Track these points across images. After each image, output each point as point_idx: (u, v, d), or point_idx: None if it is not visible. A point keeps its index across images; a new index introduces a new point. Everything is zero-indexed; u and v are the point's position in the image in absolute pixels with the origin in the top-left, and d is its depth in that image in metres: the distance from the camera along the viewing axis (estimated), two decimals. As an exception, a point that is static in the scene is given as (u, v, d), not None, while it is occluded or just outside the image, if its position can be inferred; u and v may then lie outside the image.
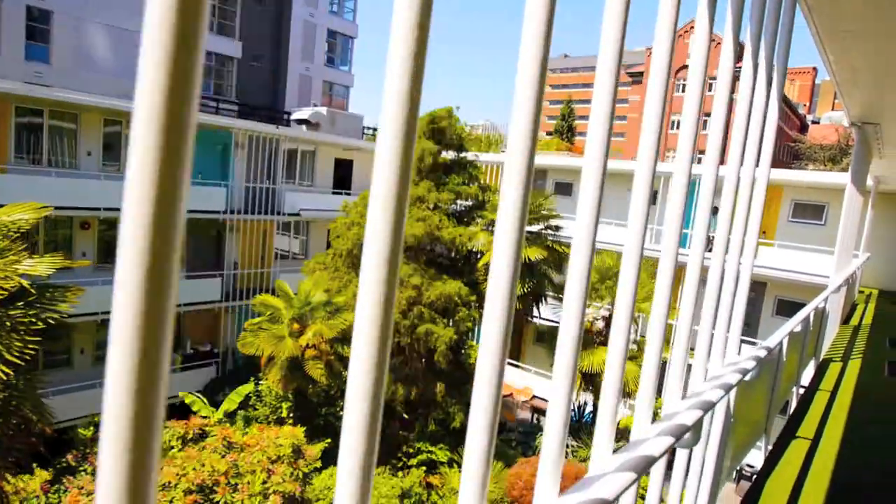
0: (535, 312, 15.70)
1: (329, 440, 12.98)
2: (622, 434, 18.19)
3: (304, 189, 22.36)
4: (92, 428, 8.65)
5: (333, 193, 22.91)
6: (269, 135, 20.45)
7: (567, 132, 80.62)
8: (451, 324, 13.33)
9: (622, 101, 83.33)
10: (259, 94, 31.01)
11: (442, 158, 14.49)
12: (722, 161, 2.13)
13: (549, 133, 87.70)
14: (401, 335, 13.34)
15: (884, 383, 6.55)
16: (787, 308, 17.70)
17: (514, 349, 24.02)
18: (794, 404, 5.65)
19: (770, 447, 4.33)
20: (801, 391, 5.94)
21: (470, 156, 15.65)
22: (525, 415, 21.28)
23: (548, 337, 16.06)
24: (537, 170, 23.33)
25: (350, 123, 26.29)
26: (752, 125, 2.45)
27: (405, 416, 15.28)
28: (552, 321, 16.78)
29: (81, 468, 6.93)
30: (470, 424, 0.94)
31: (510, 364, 22.81)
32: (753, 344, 16.15)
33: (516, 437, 17.23)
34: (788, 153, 63.73)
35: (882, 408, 5.83)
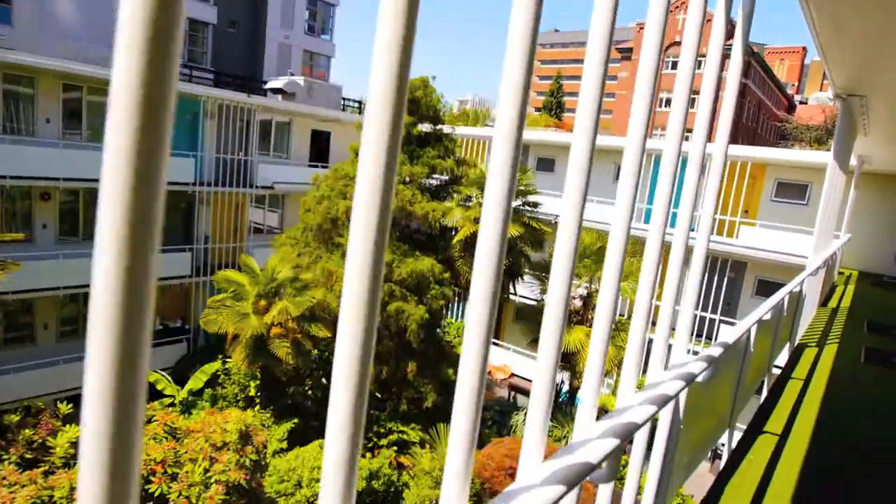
0: (512, 290, 15.35)
1: (297, 420, 12.64)
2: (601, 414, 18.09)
3: (278, 161, 21.67)
4: (21, 412, 8.17)
5: (310, 166, 22.23)
6: (241, 104, 19.68)
7: (556, 108, 79.86)
8: (424, 302, 12.93)
9: (611, 78, 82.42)
10: (236, 63, 29.96)
11: (416, 130, 13.92)
12: (710, 139, 2.07)
13: (538, 109, 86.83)
14: (371, 313, 12.93)
15: (859, 370, 6.26)
16: (767, 289, 17.53)
17: (495, 328, 23.75)
18: (765, 392, 5.33)
19: (735, 441, 3.99)
20: (775, 378, 5.62)
21: (447, 129, 15.09)
22: (504, 393, 21.12)
23: (528, 313, 15.76)
24: (519, 145, 22.79)
25: (328, 94, 25.47)
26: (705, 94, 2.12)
27: (377, 395, 14.98)
28: (531, 299, 16.48)
29: (6, 457, 6.49)
30: (455, 406, 0.95)
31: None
32: (732, 325, 15.94)
33: (492, 416, 17.02)
34: (775, 133, 63.62)
35: (856, 395, 5.53)
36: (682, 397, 2.42)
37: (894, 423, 5.00)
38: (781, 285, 6.22)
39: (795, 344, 6.77)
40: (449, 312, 21.23)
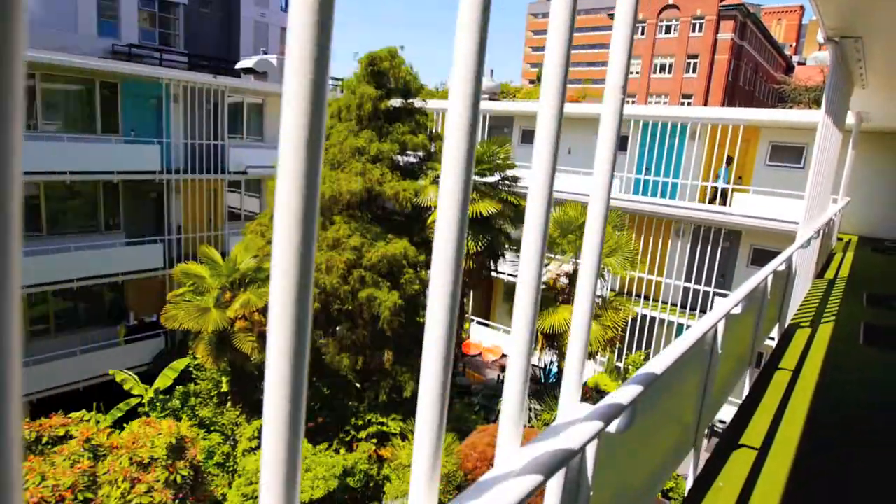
0: (493, 269, 14.60)
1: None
2: (593, 394, 17.45)
3: (252, 144, 20.79)
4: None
5: (286, 148, 21.32)
6: (208, 85, 18.71)
7: (550, 80, 78.27)
8: (398, 287, 12.20)
9: (602, 46, 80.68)
10: (211, 45, 28.87)
11: (384, 105, 13.04)
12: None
13: (531, 81, 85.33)
14: (342, 301, 12.21)
15: (859, 354, 5.51)
16: (763, 257, 16.76)
17: (484, 308, 23.09)
18: (747, 387, 4.61)
19: (702, 462, 3.26)
20: (760, 367, 4.90)
21: (418, 102, 14.19)
22: (495, 374, 20.54)
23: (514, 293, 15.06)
24: (503, 116, 21.87)
25: (304, 72, 24.42)
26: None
27: (358, 385, 14.35)
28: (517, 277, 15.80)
29: None
30: (420, 398, 0.94)
31: (480, 323, 21.94)
32: (726, 296, 15.22)
33: (479, 401, 16.43)
34: (773, 95, 62.17)
35: (854, 388, 4.79)
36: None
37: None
38: (778, 254, 5.47)
39: (786, 325, 6.03)
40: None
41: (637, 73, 58.96)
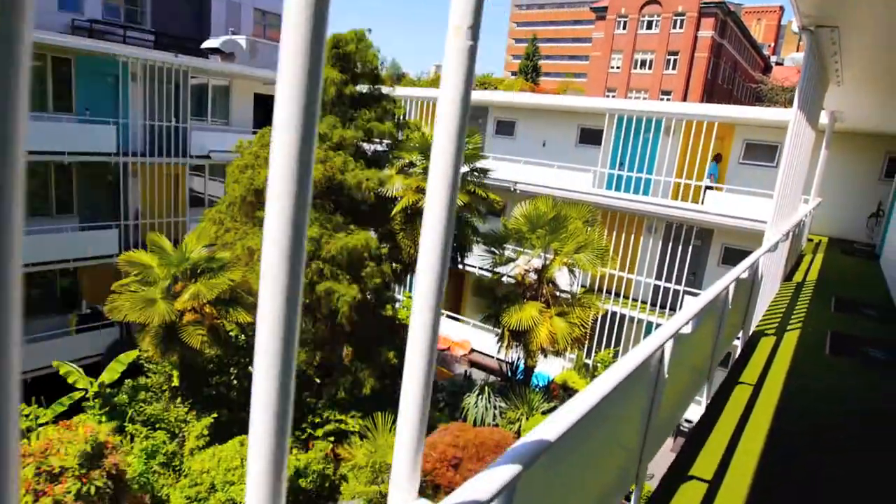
0: (460, 263, 14.16)
1: (216, 414, 11.46)
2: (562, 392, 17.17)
3: (216, 128, 19.99)
4: None
5: (254, 133, 20.59)
6: (168, 64, 17.87)
7: (532, 72, 78.13)
8: (359, 281, 11.70)
9: (584, 40, 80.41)
10: (180, 23, 27.77)
11: (349, 90, 12.46)
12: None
13: (513, 73, 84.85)
14: (299, 295, 11.67)
15: (824, 365, 5.19)
16: (734, 257, 16.62)
17: (454, 301, 22.71)
18: (705, 403, 4.24)
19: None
20: (728, 373, 4.54)
21: (386, 88, 13.64)
22: (464, 369, 20.19)
23: (482, 287, 14.61)
24: (477, 106, 21.37)
25: (274, 54, 23.58)
26: None
27: (316, 380, 13.84)
28: (486, 270, 15.31)
29: None
30: (402, 400, 0.96)
31: (449, 317, 21.55)
32: (697, 295, 14.93)
33: (444, 397, 16.03)
34: (751, 95, 62.66)
35: (821, 404, 4.46)
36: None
37: (871, 445, 3.93)
38: (749, 253, 5.11)
39: (751, 332, 5.69)
40: (403, 287, 20.08)
41: (618, 68, 58.91)
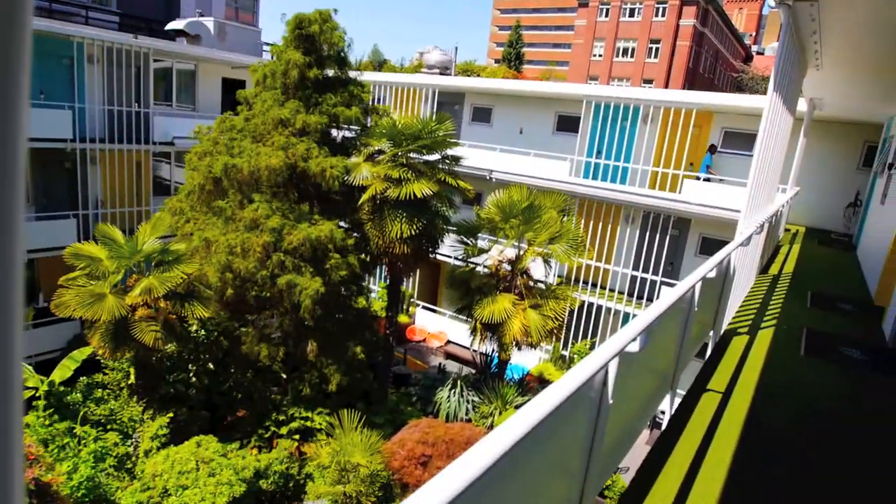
0: (431, 253, 13.69)
1: (172, 414, 10.93)
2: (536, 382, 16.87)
3: (181, 113, 19.22)
4: None
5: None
6: (128, 46, 17.05)
7: (515, 60, 77.57)
8: (323, 273, 11.19)
9: (567, 28, 79.84)
10: (148, 5, 26.74)
11: (312, 73, 11.86)
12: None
13: (496, 61, 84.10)
14: (261, 288, 11.15)
15: (798, 367, 4.85)
16: (712, 247, 16.39)
17: (430, 292, 22.28)
18: (669, 412, 3.86)
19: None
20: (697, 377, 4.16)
21: (357, 73, 13.07)
22: (440, 361, 19.82)
23: (455, 278, 14.16)
24: (453, 93, 20.83)
25: (244, 37, 22.82)
26: None
27: (284, 376, 13.36)
28: (465, 262, 14.83)
29: None
30: None
31: (425, 308, 21.14)
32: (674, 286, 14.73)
33: (417, 391, 15.65)
34: (732, 84, 62.73)
35: (793, 412, 4.10)
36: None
37: (841, 450, 3.58)
38: (726, 243, 4.75)
39: (722, 331, 5.33)
40: (373, 278, 19.59)
41: (600, 55, 58.58)
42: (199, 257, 11.05)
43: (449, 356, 20.26)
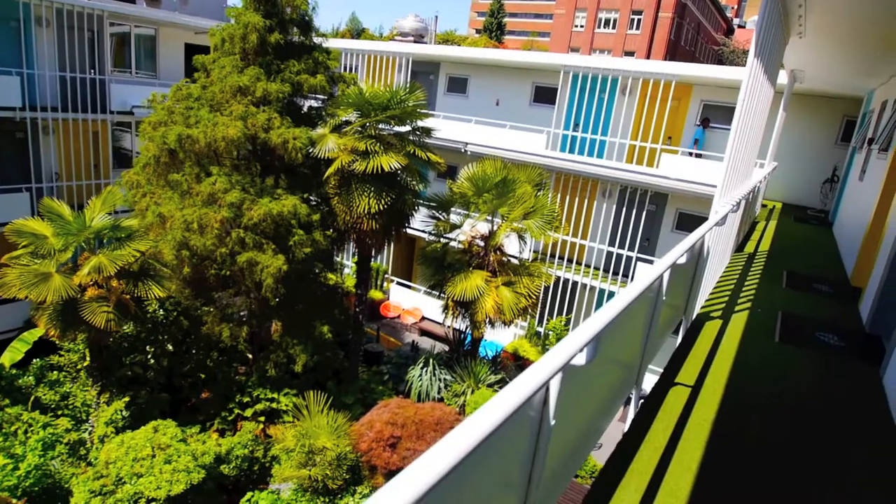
0: (402, 228, 13.23)
1: (127, 398, 10.47)
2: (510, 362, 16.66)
3: (141, 81, 18.27)
4: None
5: (184, 88, 18.91)
6: (80, 8, 16.00)
7: (496, 30, 76.19)
8: (287, 250, 10.69)
9: (549, -3, 78.26)
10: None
11: (273, 38, 11.16)
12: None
13: (477, 31, 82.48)
14: (219, 266, 10.63)
15: (773, 354, 4.56)
16: (689, 222, 16.18)
17: (405, 268, 21.88)
18: (632, 410, 3.54)
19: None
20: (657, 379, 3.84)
21: (322, 38, 12.38)
22: (414, 337, 19.53)
23: (428, 254, 13.74)
24: (428, 62, 20.13)
25: (208, 0, 21.71)
26: None
27: (249, 356, 12.94)
28: (438, 237, 14.39)
29: None
30: None
31: (400, 283, 20.76)
32: (650, 263, 14.43)
33: (388, 369, 15.35)
34: (713, 58, 62.33)
35: (766, 403, 3.81)
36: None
37: (823, 448, 3.30)
38: (703, 219, 4.40)
39: (694, 316, 5.02)
40: (344, 255, 19.10)
41: (582, 26, 57.71)
42: (153, 234, 10.47)
43: (424, 333, 19.97)
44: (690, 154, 15.72)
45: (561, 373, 1.69)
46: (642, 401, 3.42)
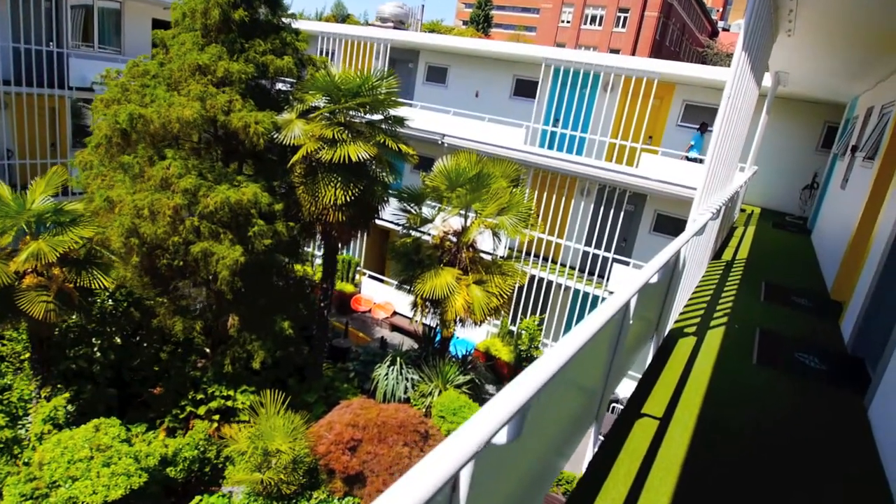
0: (370, 221, 12.68)
1: (68, 394, 9.82)
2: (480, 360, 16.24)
3: (103, 57, 17.36)
4: None
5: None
6: (37, -24, 15.07)
7: (483, 22, 75.50)
8: (245, 241, 10.09)
9: (537, -10, 77.64)
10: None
11: (238, 14, 10.49)
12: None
13: (464, 22, 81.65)
14: (172, 256, 9.99)
15: (750, 376, 4.16)
16: (667, 224, 15.89)
17: (377, 261, 21.34)
18: (590, 450, 3.10)
19: None
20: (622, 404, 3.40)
21: (291, 18, 11.73)
22: (384, 333, 19.03)
23: (399, 248, 13.21)
24: (407, 49, 19.53)
25: (180, -24, 20.72)
26: None
27: (206, 350, 12.33)
28: (408, 231, 13.84)
29: None
30: None
31: (372, 277, 20.23)
32: (626, 265, 14.03)
33: (355, 366, 14.84)
34: (697, 59, 62.45)
35: (745, 433, 3.41)
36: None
37: (801, 484, 2.90)
38: (681, 221, 3.94)
39: (666, 332, 4.60)
40: (315, 245, 18.49)
41: (568, 22, 57.35)
42: (101, 219, 9.79)
43: (395, 328, 19.48)
44: (691, 160, 15.16)
45: (474, 460, 1.21)
46: (601, 439, 2.98)
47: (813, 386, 4.22)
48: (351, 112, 11.45)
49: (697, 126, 15.45)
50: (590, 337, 1.71)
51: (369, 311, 19.96)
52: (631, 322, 2.80)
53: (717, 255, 7.88)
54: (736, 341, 4.74)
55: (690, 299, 5.62)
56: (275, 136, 10.82)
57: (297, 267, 13.49)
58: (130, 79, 10.88)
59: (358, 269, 20.74)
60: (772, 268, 7.88)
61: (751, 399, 3.83)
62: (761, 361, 4.42)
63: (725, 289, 6.25)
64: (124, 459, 8.52)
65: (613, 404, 13.52)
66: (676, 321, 4.97)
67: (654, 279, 2.72)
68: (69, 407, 10.14)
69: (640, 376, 3.88)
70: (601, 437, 2.98)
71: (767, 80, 11.38)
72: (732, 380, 4.02)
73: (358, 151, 10.50)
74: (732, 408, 3.66)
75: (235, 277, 9.78)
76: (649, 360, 4.14)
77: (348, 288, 19.94)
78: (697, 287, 6.13)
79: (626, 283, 2.53)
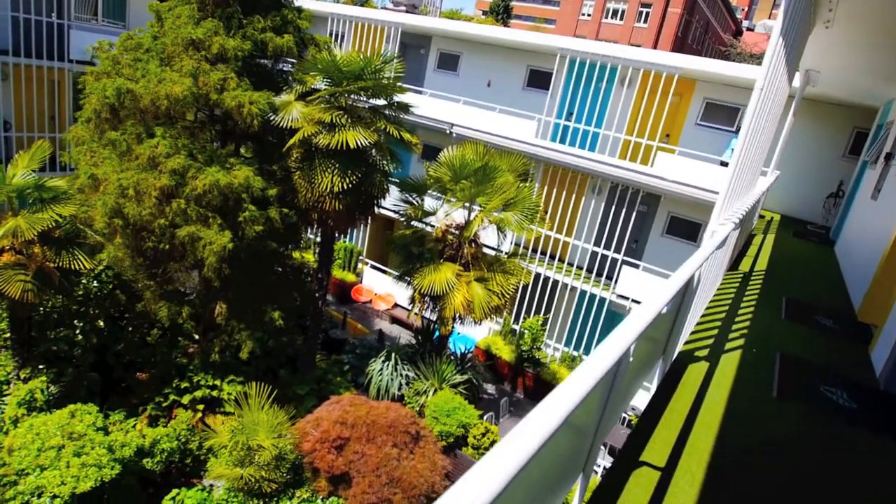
0: (370, 210, 12.15)
1: (44, 378, 9.44)
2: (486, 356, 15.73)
3: (107, 29, 16.91)
4: None
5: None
6: (40, -58, 14.62)
7: (503, 13, 74.37)
8: (235, 227, 9.62)
9: (558, -19, 76.26)
10: None
11: (237, -13, 9.97)
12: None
13: (484, 12, 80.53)
14: (158, 239, 9.54)
15: (770, 414, 3.61)
16: (680, 226, 15.25)
17: (381, 250, 20.84)
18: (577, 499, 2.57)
19: None
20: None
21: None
22: (384, 325, 18.59)
23: (398, 241, 12.71)
24: (419, 34, 18.91)
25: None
26: None
27: (196, 336, 11.92)
28: (408, 222, 13.32)
29: None
30: None
31: (374, 267, 19.77)
32: (636, 267, 13.40)
33: (350, 359, 14.40)
34: (718, 57, 61.09)
35: (759, 494, 2.86)
36: None
37: None
38: (696, 225, 3.39)
39: (675, 356, 4.05)
40: (316, 231, 17.99)
41: (589, 15, 56.27)
42: (85, 197, 9.35)
43: (395, 320, 19.03)
44: (723, 164, 14.34)
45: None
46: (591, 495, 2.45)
47: (843, 429, 3.67)
48: (353, 96, 10.92)
49: (734, 129, 14.71)
50: (578, 402, 1.18)
51: (370, 301, 19.51)
52: (631, 360, 2.27)
53: (734, 265, 7.29)
54: (754, 369, 4.18)
55: (703, 316, 5.06)
56: (271, 117, 10.31)
57: (296, 255, 13.05)
58: (123, 51, 10.41)
59: (360, 258, 20.28)
60: (793, 282, 7.28)
61: (771, 445, 3.28)
62: (782, 395, 3.86)
63: (742, 305, 5.68)
64: (97, 450, 8.13)
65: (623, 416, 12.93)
66: (687, 342, 4.42)
67: (665, 309, 2.17)
68: (52, 389, 9.79)
69: (629, 434, 3.35)
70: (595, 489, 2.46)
71: (796, 80, 10.70)
72: (749, 419, 3.47)
73: (357, 137, 9.97)
74: (748, 455, 3.12)
75: (223, 264, 9.32)
76: (653, 391, 3.60)
77: (349, 277, 19.49)
78: (712, 301, 5.57)
79: (626, 325, 2.01)
